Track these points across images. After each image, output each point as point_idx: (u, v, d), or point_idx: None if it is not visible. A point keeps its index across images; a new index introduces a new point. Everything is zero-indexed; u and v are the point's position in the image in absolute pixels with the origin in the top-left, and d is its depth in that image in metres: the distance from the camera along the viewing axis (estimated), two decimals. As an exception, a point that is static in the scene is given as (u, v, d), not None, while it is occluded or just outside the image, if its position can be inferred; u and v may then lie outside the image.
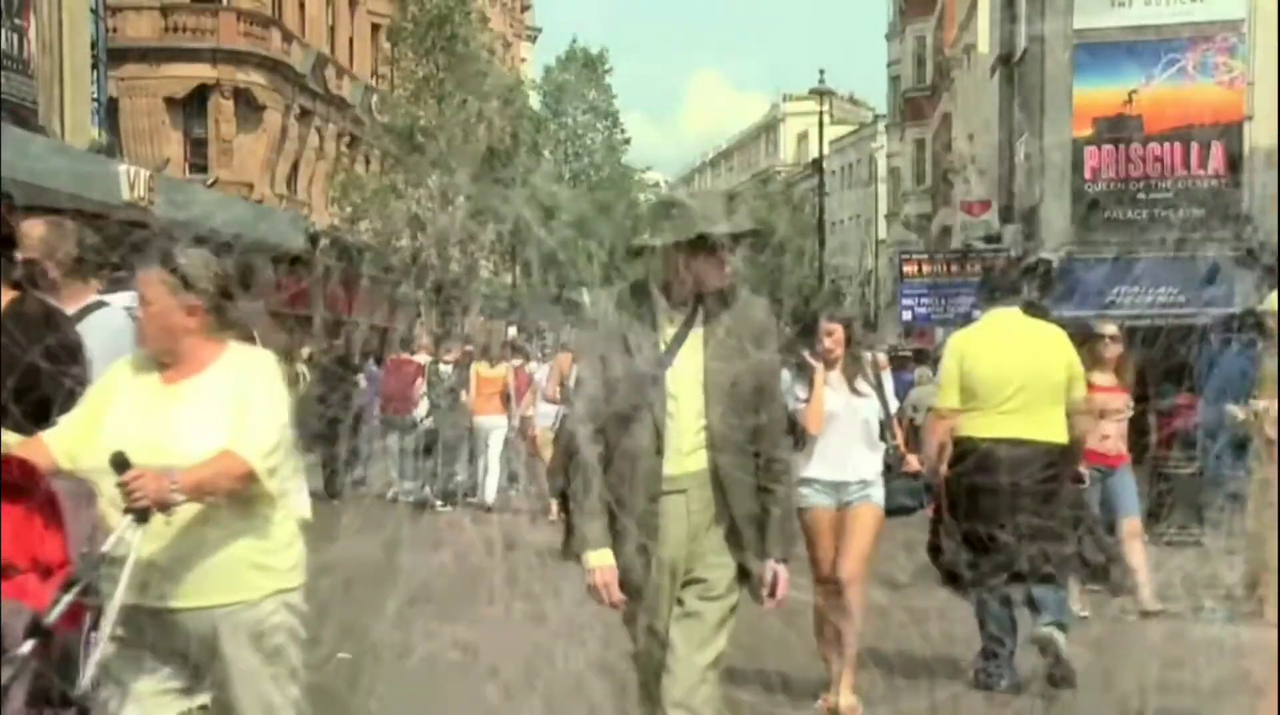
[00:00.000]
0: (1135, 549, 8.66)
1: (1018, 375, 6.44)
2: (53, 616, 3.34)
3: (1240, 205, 23.16)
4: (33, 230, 4.78)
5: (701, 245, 3.83)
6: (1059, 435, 6.48)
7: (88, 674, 3.44)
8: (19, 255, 4.53)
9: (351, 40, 38.38)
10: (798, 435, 5.97)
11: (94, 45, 23.85)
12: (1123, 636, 7.77)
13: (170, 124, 31.60)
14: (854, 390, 6.19)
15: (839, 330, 6.23)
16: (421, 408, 16.00)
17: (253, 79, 32.19)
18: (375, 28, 38.05)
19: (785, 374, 5.84)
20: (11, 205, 11.18)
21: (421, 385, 16.04)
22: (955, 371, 6.63)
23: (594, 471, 3.83)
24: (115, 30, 28.83)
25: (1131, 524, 8.69)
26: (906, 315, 30.02)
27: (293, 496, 3.75)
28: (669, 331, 3.89)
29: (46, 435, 3.62)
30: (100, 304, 4.72)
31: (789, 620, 5.91)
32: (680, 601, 3.89)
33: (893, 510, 6.27)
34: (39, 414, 3.81)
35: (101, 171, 20.59)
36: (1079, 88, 23.90)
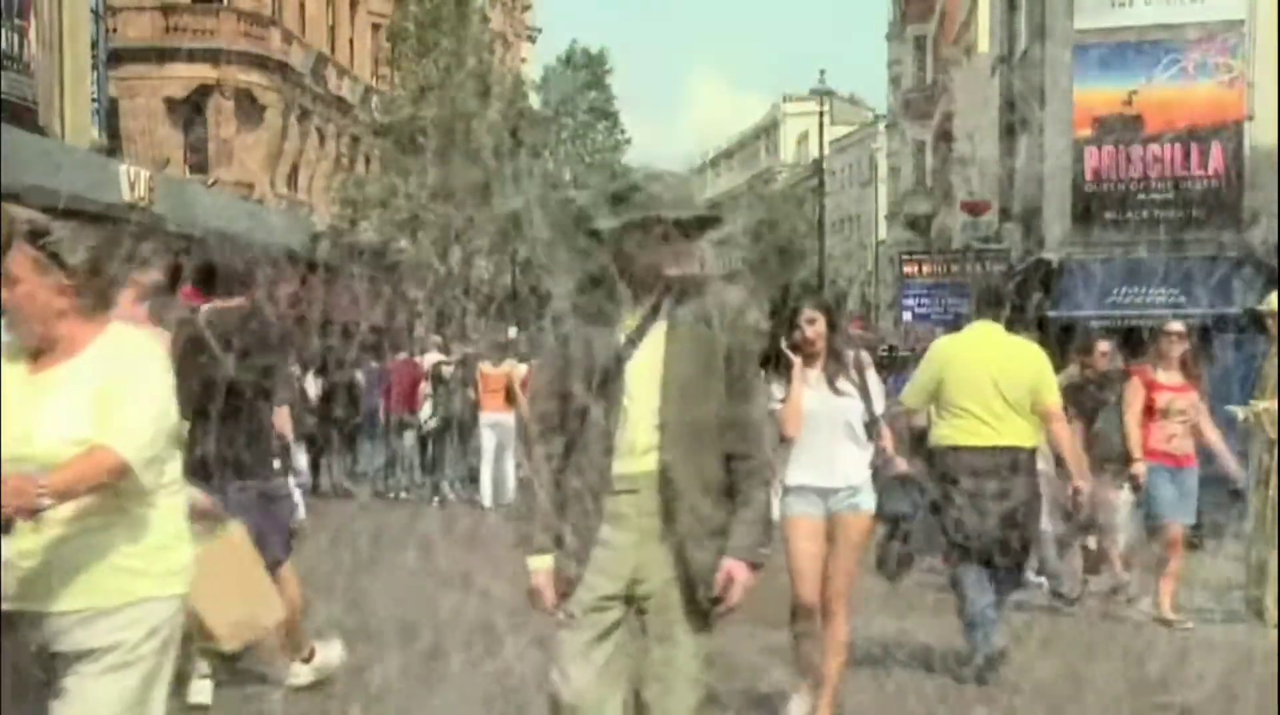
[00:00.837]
0: (1174, 556, 8.37)
1: (992, 385, 6.82)
2: None
3: (1240, 205, 23.15)
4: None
5: (660, 230, 3.59)
6: (1028, 440, 6.89)
7: None
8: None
9: (351, 40, 38.39)
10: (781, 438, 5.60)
11: (94, 45, 23.83)
12: (1121, 636, 7.76)
13: (170, 124, 31.60)
14: (835, 389, 5.63)
15: (820, 319, 5.66)
16: (427, 408, 16.06)
17: (253, 79, 32.20)
18: (375, 28, 38.05)
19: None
20: (19, 205, 11.15)
21: (426, 386, 16.11)
22: (931, 376, 6.96)
23: (543, 470, 3.60)
24: (115, 30, 28.83)
25: (1177, 530, 8.41)
26: (906, 315, 30.01)
27: (179, 493, 3.39)
28: (631, 323, 3.64)
29: None
30: None
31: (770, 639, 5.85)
32: (644, 626, 3.60)
33: (885, 517, 5.83)
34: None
35: (101, 171, 20.60)
36: (1079, 88, 23.89)
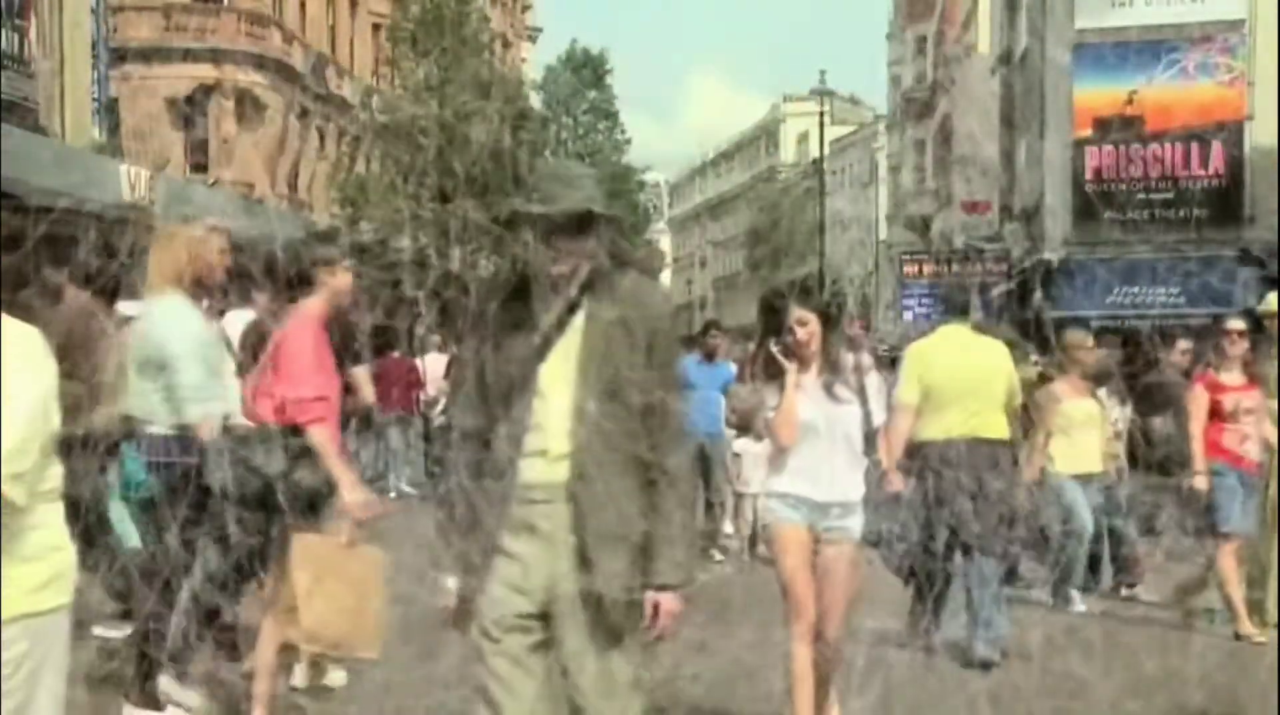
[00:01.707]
0: (1237, 565, 8.05)
1: (964, 382, 7.11)
2: None
3: (1240, 205, 23.17)
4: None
5: (544, 225, 3.35)
6: (1000, 432, 7.20)
7: None
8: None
9: (352, 40, 38.41)
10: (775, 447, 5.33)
11: (94, 45, 23.85)
12: (1122, 636, 7.76)
13: (170, 124, 31.60)
14: (832, 396, 5.21)
15: (813, 320, 5.20)
16: (439, 406, 16.10)
17: (253, 79, 32.21)
18: (375, 28, 38.07)
19: (749, 382, 5.36)
20: (21, 205, 11.17)
21: (434, 386, 16.17)
22: (915, 374, 7.19)
23: (458, 478, 3.40)
24: (115, 30, 28.85)
25: (1237, 541, 8.03)
26: (907, 316, 30.03)
27: (57, 500, 3.07)
28: (547, 320, 3.38)
29: None
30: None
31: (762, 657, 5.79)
32: (562, 645, 3.33)
33: (872, 542, 5.62)
34: None
35: (101, 171, 20.60)
36: (1079, 88, 23.92)
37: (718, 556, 10.96)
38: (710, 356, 11.30)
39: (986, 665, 6.75)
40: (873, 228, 60.78)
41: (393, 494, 16.10)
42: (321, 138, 35.96)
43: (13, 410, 2.81)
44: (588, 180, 3.50)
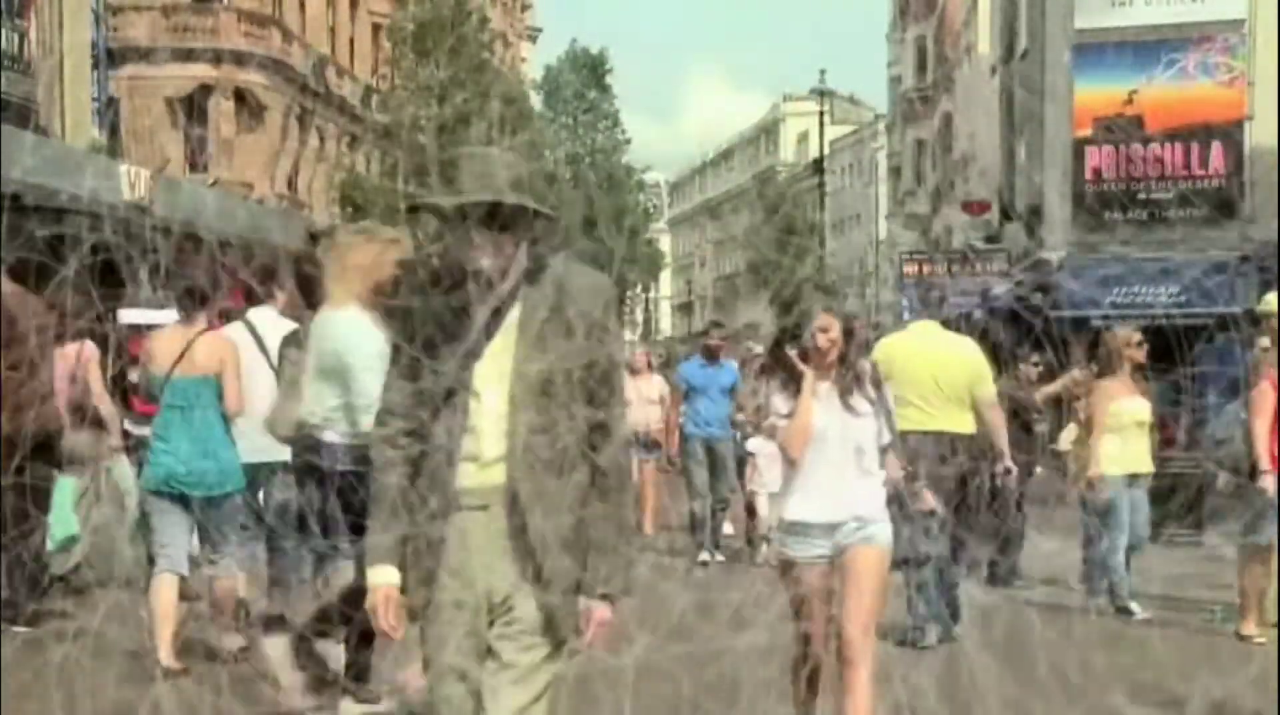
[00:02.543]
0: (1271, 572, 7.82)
1: (926, 377, 7.40)
2: None
3: (1240, 205, 23.16)
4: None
5: (474, 216, 3.14)
6: (966, 427, 7.54)
7: None
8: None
9: (352, 40, 38.41)
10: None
11: (94, 45, 23.87)
12: (1120, 636, 7.76)
13: (170, 124, 31.60)
14: (849, 407, 4.90)
15: (835, 327, 4.92)
16: None
17: (253, 79, 32.21)
18: (376, 28, 38.08)
19: (762, 384, 5.11)
20: (20, 205, 11.20)
21: None
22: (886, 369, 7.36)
23: (387, 479, 3.23)
24: (115, 30, 28.87)
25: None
26: (907, 316, 30.00)
27: None
28: (479, 317, 3.20)
29: None
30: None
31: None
32: (491, 651, 3.19)
33: (903, 560, 5.40)
34: None
35: (101, 171, 20.58)
36: (1079, 88, 23.90)
37: (719, 557, 10.95)
38: (713, 357, 11.28)
39: (925, 648, 7.12)
40: (872, 228, 60.80)
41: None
42: (321, 138, 35.95)
43: None
44: (508, 170, 3.22)
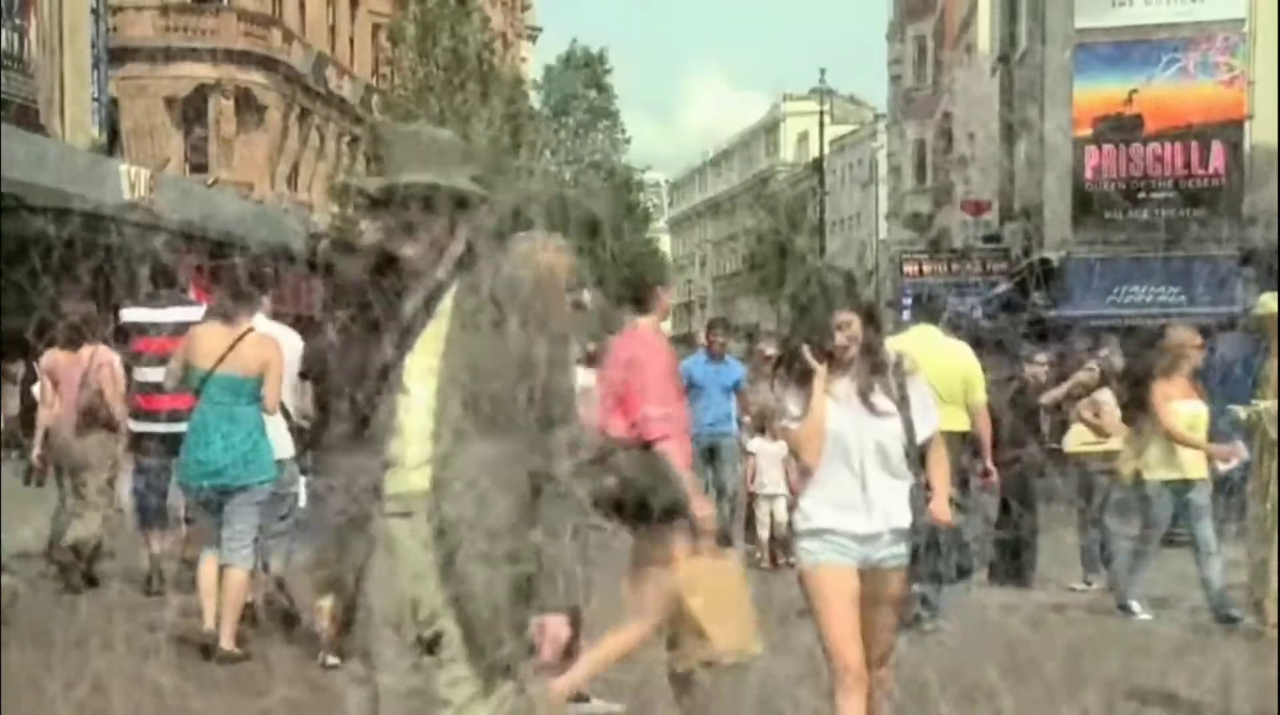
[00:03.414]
0: None
1: (930, 380, 7.34)
2: None
3: (1240, 205, 23.17)
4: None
5: (399, 199, 2.94)
6: (961, 426, 7.64)
7: None
8: None
9: (352, 40, 38.41)
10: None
11: (94, 45, 23.87)
12: (1121, 635, 7.76)
13: (170, 124, 31.60)
14: (870, 407, 4.44)
15: (855, 322, 4.45)
16: None
17: (253, 79, 32.20)
18: (376, 28, 38.07)
19: (775, 384, 4.72)
20: (21, 205, 11.21)
21: None
22: None
23: (323, 493, 3.10)
24: (115, 30, 28.86)
25: None
26: (906, 315, 30.00)
27: None
28: (409, 308, 2.99)
29: None
30: None
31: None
32: (428, 675, 2.97)
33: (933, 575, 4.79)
34: None
35: (101, 171, 20.60)
36: (1079, 88, 23.92)
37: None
38: (717, 355, 11.20)
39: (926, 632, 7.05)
40: (872, 227, 60.83)
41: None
42: (321, 138, 35.95)
43: None
44: (440, 152, 3.02)
